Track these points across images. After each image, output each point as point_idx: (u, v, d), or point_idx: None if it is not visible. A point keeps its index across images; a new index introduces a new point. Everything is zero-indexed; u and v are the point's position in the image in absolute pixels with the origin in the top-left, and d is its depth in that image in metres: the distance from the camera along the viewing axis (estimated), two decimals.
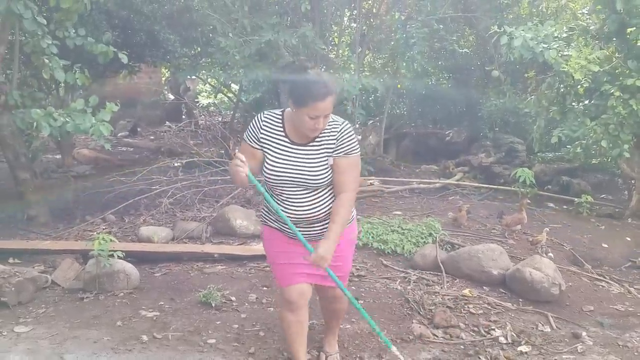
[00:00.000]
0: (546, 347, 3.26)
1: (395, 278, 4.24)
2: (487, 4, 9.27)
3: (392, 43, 9.89)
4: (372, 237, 4.92)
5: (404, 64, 10.18)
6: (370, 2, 10.44)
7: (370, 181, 7.92)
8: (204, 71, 9.92)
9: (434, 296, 3.82)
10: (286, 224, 2.54)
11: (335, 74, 8.36)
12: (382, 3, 10.13)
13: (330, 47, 9.63)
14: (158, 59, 8.66)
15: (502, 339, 3.32)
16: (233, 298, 3.85)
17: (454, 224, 5.66)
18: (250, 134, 2.56)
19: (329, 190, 2.56)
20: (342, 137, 2.48)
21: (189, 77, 12.34)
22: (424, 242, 4.81)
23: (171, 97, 12.76)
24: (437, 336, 3.35)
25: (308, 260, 2.48)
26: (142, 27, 8.09)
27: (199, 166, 6.73)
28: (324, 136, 2.48)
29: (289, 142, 2.51)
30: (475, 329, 3.46)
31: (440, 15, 9.22)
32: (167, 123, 12.34)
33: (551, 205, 7.14)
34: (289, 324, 2.73)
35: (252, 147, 2.55)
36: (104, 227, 5.45)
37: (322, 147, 2.49)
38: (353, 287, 3.97)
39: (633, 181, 6.75)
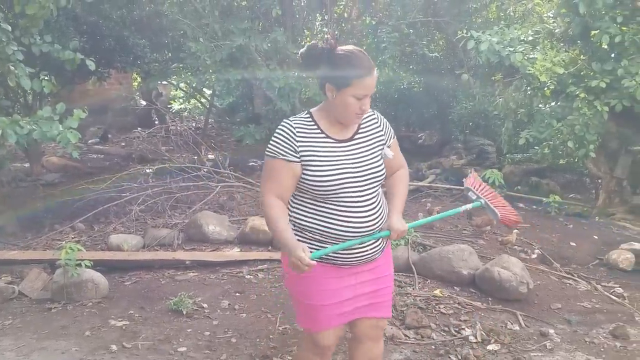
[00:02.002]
0: (515, 345, 3.31)
1: None
2: (456, 9, 9.41)
3: (364, 47, 9.97)
4: None
5: (376, 69, 10.28)
6: (342, 6, 10.52)
7: None
8: (174, 76, 9.85)
9: (405, 297, 3.85)
10: (336, 253, 2.17)
11: (307, 79, 8.41)
12: (353, 8, 10.22)
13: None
14: (128, 64, 8.58)
15: (472, 338, 3.36)
16: (205, 305, 3.82)
17: (426, 225, 5.71)
18: (282, 148, 2.12)
19: (380, 190, 2.27)
20: (385, 124, 2.29)
21: (160, 82, 12.27)
22: (396, 244, 4.83)
23: (143, 103, 12.66)
24: (408, 337, 3.37)
25: (394, 238, 2.23)
26: (111, 33, 8.02)
27: (171, 172, 6.67)
28: (367, 128, 2.24)
29: (333, 141, 2.17)
30: (446, 328, 3.50)
31: (410, 19, 9.34)
32: (139, 129, 12.21)
33: (521, 205, 7.25)
34: None
35: (290, 161, 2.12)
36: (73, 236, 5.36)
37: (372, 139, 2.23)
38: None
39: (600, 180, 6.91)
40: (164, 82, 12.01)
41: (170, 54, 9.41)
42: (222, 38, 7.83)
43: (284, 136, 2.14)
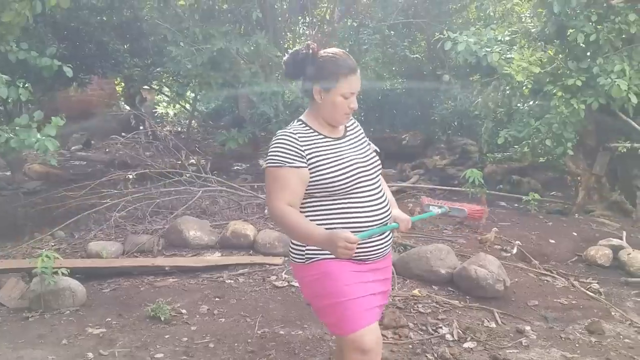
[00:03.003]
0: (491, 343, 3.34)
1: None
2: (436, 10, 9.48)
3: (347, 50, 10.00)
4: None
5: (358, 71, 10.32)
6: (323, 9, 10.54)
7: None
8: (155, 81, 9.82)
9: None
10: (359, 245, 2.08)
11: (290, 81, 8.42)
12: (334, 10, 10.25)
13: (284, 55, 9.67)
14: (108, 70, 8.55)
15: (448, 337, 3.39)
16: (184, 311, 3.81)
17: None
18: (288, 155, 2.13)
19: None
20: (358, 126, 2.41)
21: (143, 87, 12.24)
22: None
23: (127, 108, 12.60)
24: (386, 337, 3.38)
25: (402, 230, 2.29)
26: (91, 39, 8.01)
27: (152, 178, 6.65)
28: (352, 127, 2.36)
29: (332, 139, 2.23)
30: (424, 327, 3.52)
31: (391, 21, 9.38)
32: (123, 134, 12.16)
33: (503, 204, 7.33)
34: None
35: (298, 167, 2.12)
36: (53, 244, 5.32)
37: (358, 135, 2.35)
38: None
39: (579, 178, 6.98)
40: (147, 87, 11.99)
41: (151, 59, 9.39)
42: (203, 42, 7.82)
43: (287, 144, 2.15)
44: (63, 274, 3.79)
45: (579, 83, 5.75)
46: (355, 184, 2.16)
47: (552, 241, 5.49)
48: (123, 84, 12.55)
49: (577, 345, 3.37)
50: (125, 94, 13.16)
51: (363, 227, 2.14)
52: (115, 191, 6.13)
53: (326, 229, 2.10)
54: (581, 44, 5.79)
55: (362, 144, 2.32)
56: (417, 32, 10.50)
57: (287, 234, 2.22)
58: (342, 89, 2.14)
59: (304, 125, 2.23)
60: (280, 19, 9.63)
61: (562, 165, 7.68)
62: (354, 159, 2.20)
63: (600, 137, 6.56)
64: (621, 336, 3.51)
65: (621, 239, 5.35)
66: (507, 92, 6.90)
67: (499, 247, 5.24)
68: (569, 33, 5.88)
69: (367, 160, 2.25)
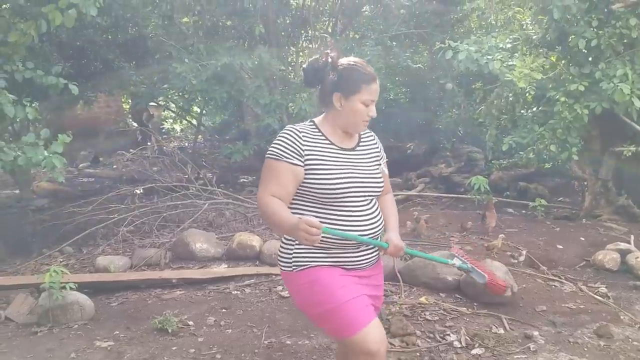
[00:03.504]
0: (499, 349, 3.33)
1: None
2: (438, 19, 9.53)
3: None
4: None
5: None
6: (325, 22, 10.62)
7: None
8: (161, 97, 9.91)
9: (391, 306, 3.87)
10: (346, 254, 2.20)
11: (294, 94, 8.49)
12: (337, 23, 10.32)
13: (288, 68, 9.74)
14: (114, 87, 8.64)
15: (456, 344, 3.38)
16: (191, 322, 3.83)
17: (414, 234, 5.75)
18: (287, 151, 2.16)
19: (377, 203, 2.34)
20: (379, 143, 2.41)
21: (150, 104, 12.34)
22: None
23: (135, 125, 12.71)
24: (394, 345, 3.38)
25: (390, 253, 2.27)
26: (97, 57, 8.10)
27: (158, 192, 6.70)
28: (366, 141, 2.34)
29: (337, 148, 2.23)
30: (431, 335, 3.52)
31: (393, 32, 9.44)
32: (131, 150, 12.26)
33: (510, 210, 7.32)
34: None
35: (294, 164, 2.15)
36: (61, 260, 5.37)
37: (371, 152, 2.32)
38: None
39: (585, 183, 6.96)
40: (154, 104, 12.10)
41: (157, 76, 9.48)
42: (207, 58, 7.90)
43: (289, 139, 2.18)
44: (71, 288, 3.82)
45: (581, 88, 5.75)
46: (344, 198, 2.17)
47: (560, 247, 5.47)
48: (130, 101, 12.69)
49: (585, 349, 3.35)
50: (132, 111, 13.30)
51: (341, 256, 2.20)
52: (123, 206, 6.17)
53: (305, 246, 2.17)
54: (583, 50, 5.79)
55: (370, 161, 2.29)
56: (420, 42, 10.55)
57: (267, 222, 2.28)
58: (363, 96, 2.16)
59: (314, 126, 2.26)
60: (283, 33, 9.70)
61: (568, 170, 7.68)
62: (352, 174, 2.19)
63: (605, 141, 6.54)
64: (630, 339, 3.48)
65: (629, 242, 5.32)
66: (510, 99, 6.92)
67: (508, 253, 5.22)
68: (570, 39, 5.90)
69: (367, 179, 2.23)
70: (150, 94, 9.66)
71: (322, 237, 2.09)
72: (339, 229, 2.15)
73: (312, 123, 2.28)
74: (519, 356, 3.24)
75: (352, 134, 2.29)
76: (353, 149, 2.27)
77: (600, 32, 5.70)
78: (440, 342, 3.42)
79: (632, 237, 5.49)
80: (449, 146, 10.45)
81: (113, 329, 3.76)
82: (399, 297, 4.05)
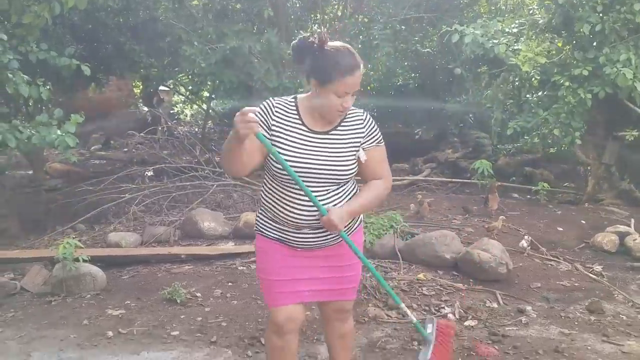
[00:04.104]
0: (491, 321, 3.46)
1: None
2: (447, 4, 9.54)
3: (359, 45, 10.12)
4: None
5: (369, 66, 10.45)
6: (335, 5, 10.67)
7: None
8: (171, 80, 10.03)
9: (390, 281, 3.99)
10: (289, 233, 2.25)
11: (300, 77, 8.58)
12: (346, 7, 10.36)
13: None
14: (125, 70, 8.78)
15: (450, 316, 3.51)
16: (198, 294, 3.99)
17: (417, 216, 5.87)
18: (259, 121, 2.14)
19: (347, 189, 2.26)
20: (370, 126, 2.24)
21: (161, 88, 12.49)
22: (385, 233, 4.97)
23: (145, 108, 12.87)
24: (390, 317, 3.52)
25: (322, 220, 2.14)
26: (108, 40, 8.23)
27: (168, 174, 6.86)
28: (349, 124, 2.22)
29: (307, 130, 2.19)
30: (427, 308, 3.65)
31: (402, 16, 9.47)
32: (141, 134, 12.44)
33: (515, 195, 7.41)
34: (273, 349, 2.41)
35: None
36: (74, 236, 5.49)
37: (349, 136, 2.20)
38: None
39: (589, 167, 7.03)
40: (164, 88, 12.24)
41: (167, 59, 9.60)
42: (217, 41, 8.00)
43: (262, 112, 2.19)
44: (84, 260, 3.99)
45: (585, 73, 5.82)
46: (295, 182, 2.15)
47: (560, 229, 5.57)
48: (141, 85, 12.85)
49: (576, 323, 3.47)
50: (143, 94, 13.47)
51: (296, 222, 2.21)
52: (134, 186, 6.35)
53: (270, 208, 2.28)
54: (587, 34, 5.84)
55: (344, 146, 2.19)
56: (429, 26, 10.56)
57: (224, 158, 2.24)
58: (337, 88, 2.08)
59: (293, 103, 2.23)
60: (292, 16, 9.77)
61: (574, 156, 7.75)
62: (310, 158, 2.16)
63: (609, 126, 6.61)
64: (621, 315, 3.60)
65: (629, 226, 5.40)
66: (517, 83, 6.99)
67: (508, 234, 5.32)
68: (575, 24, 5.94)
69: (328, 164, 2.16)
70: (161, 77, 9.80)
71: (274, 212, 2.24)
72: (290, 211, 2.21)
73: (293, 99, 2.25)
74: (510, 328, 3.37)
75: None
76: (327, 132, 2.19)
77: (604, 17, 5.75)
78: (434, 314, 3.55)
79: (633, 220, 5.57)
80: (456, 132, 10.52)
81: (124, 299, 3.93)
82: (398, 274, 4.19)
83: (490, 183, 6.32)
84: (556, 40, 6.44)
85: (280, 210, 2.24)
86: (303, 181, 2.14)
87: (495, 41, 6.20)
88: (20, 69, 5.24)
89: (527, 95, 6.90)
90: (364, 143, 2.22)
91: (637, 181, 6.60)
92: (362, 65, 2.11)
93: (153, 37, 8.89)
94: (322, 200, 2.18)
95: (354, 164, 2.20)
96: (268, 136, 2.16)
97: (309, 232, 2.25)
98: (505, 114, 7.57)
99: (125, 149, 11.63)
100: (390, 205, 6.52)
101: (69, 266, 3.93)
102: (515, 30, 6.62)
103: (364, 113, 2.28)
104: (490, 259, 4.03)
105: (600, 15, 5.76)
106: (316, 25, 10.28)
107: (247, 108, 2.01)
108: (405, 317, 2.53)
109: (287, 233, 2.27)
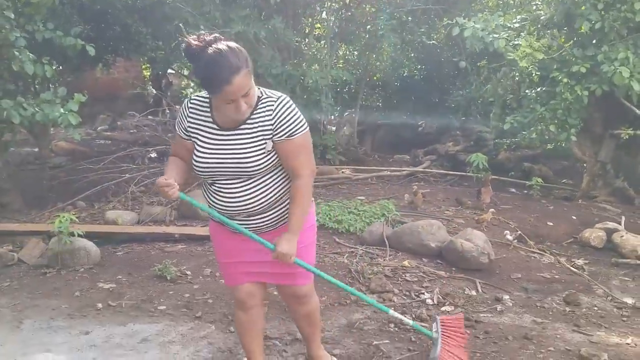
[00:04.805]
0: (467, 307, 3.56)
1: (344, 253, 4.52)
2: None
3: (367, 36, 10.16)
4: (329, 218, 5.19)
5: (374, 56, 10.51)
6: None
7: (342, 170, 8.24)
8: (177, 63, 10.13)
9: (374, 267, 4.11)
10: (227, 217, 2.29)
11: (303, 65, 8.65)
12: None
13: (303, 39, 9.88)
14: (131, 52, 8.89)
15: (429, 301, 3.62)
16: (188, 272, 4.12)
17: (411, 206, 5.95)
18: (178, 124, 2.28)
19: (269, 178, 2.24)
20: (280, 118, 2.14)
21: (169, 72, 12.60)
22: (377, 221, 5.08)
23: (154, 91, 12.99)
24: None
25: (274, 258, 2.25)
26: (116, 21, 8.33)
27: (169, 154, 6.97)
28: (257, 116, 2.15)
29: (216, 128, 2.19)
30: (407, 293, 3.76)
31: (409, 7, 9.49)
32: (141, 115, 12.58)
33: (513, 190, 7.46)
34: (241, 323, 2.56)
35: (182, 138, 2.27)
36: (73, 213, 5.65)
37: (256, 129, 2.15)
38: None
39: (585, 164, 7.07)
40: (173, 72, 12.34)
41: (174, 42, 9.70)
42: (223, 26, 8.08)
43: (180, 114, 2.28)
44: (79, 235, 4.13)
45: (583, 70, 5.85)
46: (211, 177, 2.23)
47: (550, 224, 5.64)
48: (150, 67, 12.96)
49: (550, 313, 3.57)
50: (152, 77, 13.59)
51: (222, 213, 2.28)
52: (134, 166, 6.47)
53: (204, 194, 2.37)
54: (587, 32, 5.87)
55: (251, 140, 2.16)
56: (437, 18, 10.57)
57: None
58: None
59: (207, 103, 2.23)
60: (302, 3, 9.79)
61: (571, 152, 7.78)
62: (216, 157, 2.18)
63: (606, 124, 6.64)
64: (596, 307, 3.69)
65: (619, 223, 5.47)
66: (517, 78, 7.02)
67: (496, 227, 5.41)
68: (576, 20, 5.97)
69: (234, 161, 2.17)
70: (167, 60, 9.89)
71: (206, 197, 2.34)
72: (219, 200, 2.27)
73: (208, 98, 2.21)
74: (485, 315, 3.47)
75: None
76: (235, 128, 2.17)
77: (605, 14, 5.77)
78: (414, 299, 3.66)
79: (623, 218, 5.63)
80: (458, 125, 10.57)
81: (116, 274, 4.07)
82: (383, 260, 4.29)
83: (484, 176, 6.40)
84: (557, 37, 6.46)
85: (211, 200, 2.31)
86: (217, 178, 2.22)
87: (495, 35, 6.24)
88: (27, 47, 5.37)
89: (527, 91, 6.94)
90: (273, 136, 2.16)
91: (631, 180, 6.64)
92: (242, 69, 1.99)
93: (160, 20, 8.97)
94: (240, 193, 2.22)
95: (262, 157, 2.17)
96: (186, 137, 2.26)
97: (243, 219, 2.29)
98: (505, 109, 7.61)
99: (132, 131, 11.79)
100: (385, 195, 6.63)
101: (64, 240, 4.07)
102: (517, 25, 6.65)
103: (278, 100, 2.17)
104: (473, 248, 4.13)
105: (602, 12, 5.79)
106: (324, 13, 10.34)
107: (158, 182, 2.20)
108: (402, 322, 2.64)
109: (221, 219, 2.32)
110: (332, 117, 11.71)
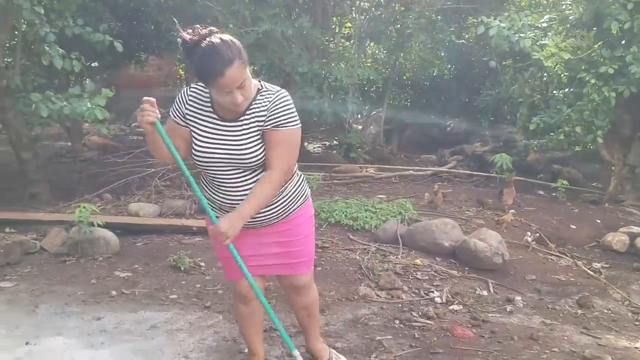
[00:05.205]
0: (476, 307, 3.53)
1: (357, 249, 4.53)
2: None
3: (395, 35, 10.13)
4: (345, 215, 5.21)
5: (402, 55, 10.46)
6: None
7: (366, 169, 8.25)
8: None
9: (385, 264, 4.11)
10: (228, 211, 2.25)
11: (331, 64, 8.68)
12: None
13: (331, 38, 9.91)
14: (162, 49, 9.07)
15: (437, 300, 3.60)
16: (202, 264, 4.20)
17: (430, 205, 5.92)
18: (175, 109, 2.25)
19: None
20: (273, 107, 2.14)
21: None
22: (392, 219, 5.07)
23: None
24: (379, 296, 3.64)
25: (209, 232, 2.24)
26: (147, 19, 8.51)
27: None
28: (255, 108, 2.16)
29: (217, 119, 2.19)
30: (417, 291, 3.75)
31: (440, 6, 9.42)
32: (164, 110, 12.78)
33: (540, 192, 7.34)
34: (241, 316, 2.61)
35: (178, 123, 2.23)
36: (99, 205, 5.83)
37: (253, 121, 2.16)
38: (315, 257, 4.24)
39: (613, 167, 6.90)
40: None
41: None
42: (252, 24, 8.18)
43: (178, 99, 2.25)
44: (98, 225, 4.25)
45: (611, 71, 5.73)
46: (210, 168, 2.21)
47: (573, 227, 5.54)
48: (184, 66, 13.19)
49: (561, 315, 3.51)
50: (186, 75, 13.81)
51: (216, 204, 2.29)
52: (159, 161, 6.59)
53: (203, 188, 2.32)
54: (616, 32, 5.74)
55: (248, 133, 2.17)
56: (467, 17, 10.45)
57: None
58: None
59: (208, 93, 2.21)
60: (332, 3, 9.82)
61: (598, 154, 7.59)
62: (215, 148, 2.17)
63: (636, 126, 6.47)
64: (609, 311, 3.61)
65: None
66: (544, 78, 6.91)
67: (517, 228, 5.34)
68: (605, 20, 5.84)
69: (233, 152, 2.16)
70: None
71: (205, 194, 2.30)
72: (217, 193, 2.26)
73: None
74: (494, 315, 3.43)
75: None
76: (234, 120, 2.18)
77: (635, 15, 5.63)
78: (423, 297, 3.65)
79: None
80: (487, 125, 10.44)
81: (133, 263, 4.18)
82: (396, 257, 4.29)
83: (507, 177, 6.31)
84: (585, 37, 6.33)
85: (209, 194, 2.32)
86: (217, 169, 2.20)
87: (521, 35, 6.15)
88: (58, 42, 5.55)
89: (554, 92, 6.82)
90: (265, 125, 2.16)
91: None
92: (234, 60, 1.99)
93: (191, 19, 9.13)
94: (241, 186, 2.21)
95: (259, 149, 2.17)
96: (183, 124, 2.22)
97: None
98: (532, 109, 7.48)
99: None
100: (407, 194, 6.61)
101: (84, 229, 4.20)
102: (544, 24, 6.54)
103: (276, 93, 2.18)
104: (486, 248, 4.09)
105: (631, 12, 5.64)
106: (353, 13, 10.35)
107: (145, 98, 2.09)
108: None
109: (222, 214, 2.29)
110: (359, 116, 11.73)
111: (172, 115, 2.25)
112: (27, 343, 2.91)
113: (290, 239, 2.40)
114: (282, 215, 2.35)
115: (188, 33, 2.06)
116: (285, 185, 2.32)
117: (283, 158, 2.18)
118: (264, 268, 2.46)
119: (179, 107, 2.23)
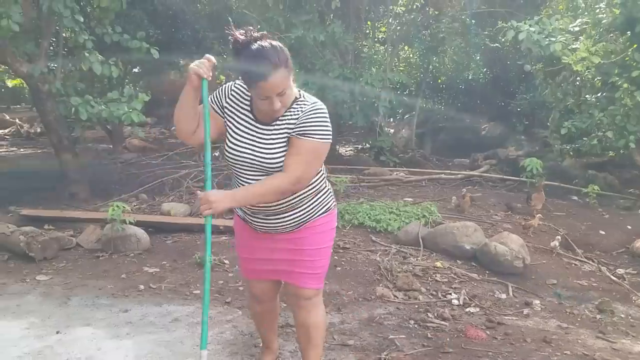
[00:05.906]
0: (492, 309, 3.55)
1: (377, 251, 4.59)
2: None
3: (429, 39, 10.14)
4: (369, 217, 5.28)
5: (435, 59, 10.46)
6: None
7: (396, 172, 8.28)
8: None
9: (405, 266, 4.16)
10: (247, 216, 2.30)
11: (362, 68, 8.76)
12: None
13: (363, 43, 9.99)
14: (199, 57, 9.30)
15: (454, 302, 3.63)
16: (226, 262, 4.34)
17: (457, 209, 5.93)
18: (215, 97, 2.24)
19: None
20: (304, 117, 2.11)
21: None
22: (415, 222, 5.11)
23: None
24: (397, 297, 3.70)
25: (199, 194, 2.14)
26: (185, 26, 8.79)
27: None
28: (288, 116, 2.15)
29: (253, 120, 2.19)
30: (434, 293, 3.78)
31: (473, 10, 9.40)
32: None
33: (574, 198, 7.23)
34: (255, 314, 2.69)
35: (212, 105, 2.22)
36: (135, 204, 6.08)
37: (283, 127, 2.14)
38: (335, 257, 4.36)
39: None
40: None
41: None
42: (285, 30, 8.34)
43: (221, 90, 2.25)
44: (130, 223, 4.45)
45: None
46: (237, 167, 2.20)
47: (602, 232, 5.46)
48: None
49: (578, 319, 3.49)
50: (227, 81, 14.12)
51: (247, 214, 2.31)
52: (193, 162, 6.83)
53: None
54: None
55: (278, 139, 2.15)
56: (503, 21, 10.36)
57: (175, 116, 2.25)
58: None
59: (249, 93, 2.19)
60: (361, 7, 9.91)
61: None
62: (250, 150, 2.16)
63: None
64: (629, 317, 3.57)
65: None
66: (577, 83, 6.82)
67: (545, 233, 5.30)
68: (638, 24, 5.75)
69: (259, 155, 2.15)
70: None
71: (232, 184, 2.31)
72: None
73: None
74: (510, 317, 3.45)
75: None
76: (268, 124, 2.17)
77: None
78: (440, 299, 3.69)
79: None
80: (522, 129, 10.32)
81: (162, 260, 4.36)
82: (416, 259, 4.33)
83: (538, 182, 6.26)
84: (619, 41, 6.23)
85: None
86: (241, 169, 2.19)
87: (552, 39, 6.11)
88: (98, 49, 5.82)
89: (587, 96, 6.72)
90: (292, 132, 2.13)
91: None
92: (280, 67, 2.00)
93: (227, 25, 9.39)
94: None
95: (284, 155, 2.14)
96: (220, 113, 2.23)
97: (263, 217, 2.29)
98: (565, 113, 7.38)
99: None
100: (435, 197, 6.62)
101: (116, 227, 4.40)
102: (577, 29, 6.47)
103: (311, 104, 2.14)
104: (507, 252, 4.09)
105: None
106: (388, 18, 10.40)
107: (207, 55, 2.14)
108: None
109: (247, 216, 2.34)
110: (391, 119, 11.77)
111: (210, 100, 2.23)
112: (57, 332, 3.10)
113: (302, 247, 2.34)
114: (299, 225, 2.33)
115: (240, 33, 2.09)
116: (307, 195, 2.28)
117: (298, 167, 2.12)
118: (271, 272, 2.44)
119: (219, 98, 2.24)
